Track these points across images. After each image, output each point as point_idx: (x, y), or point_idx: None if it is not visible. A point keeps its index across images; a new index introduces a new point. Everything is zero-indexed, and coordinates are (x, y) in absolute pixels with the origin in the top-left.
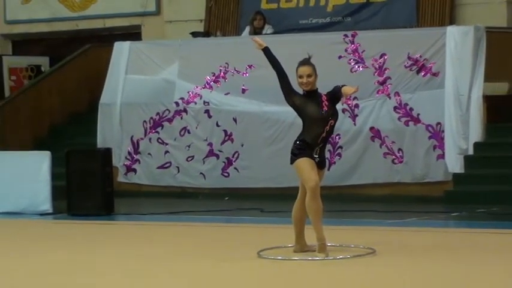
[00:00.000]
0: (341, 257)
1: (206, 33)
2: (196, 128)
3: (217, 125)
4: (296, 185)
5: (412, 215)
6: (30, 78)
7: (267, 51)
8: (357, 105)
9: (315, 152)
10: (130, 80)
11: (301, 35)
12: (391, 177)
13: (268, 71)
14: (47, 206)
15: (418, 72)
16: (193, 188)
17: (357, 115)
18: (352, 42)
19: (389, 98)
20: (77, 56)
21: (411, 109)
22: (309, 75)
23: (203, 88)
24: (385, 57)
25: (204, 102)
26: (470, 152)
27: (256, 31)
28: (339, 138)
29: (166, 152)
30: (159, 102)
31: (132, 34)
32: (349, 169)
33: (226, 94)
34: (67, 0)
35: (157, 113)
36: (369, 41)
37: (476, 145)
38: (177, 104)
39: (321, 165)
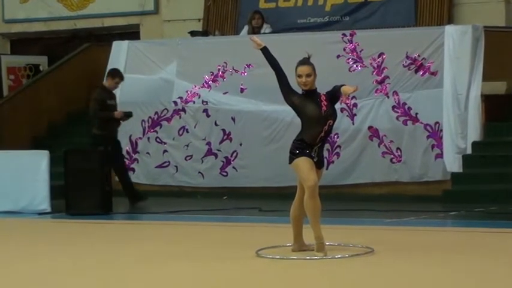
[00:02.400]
0: (339, 256)
1: (204, 33)
2: (195, 127)
3: (216, 124)
4: (294, 184)
5: (411, 214)
6: (29, 77)
7: (265, 50)
8: (355, 105)
9: (314, 152)
10: (128, 79)
11: (300, 34)
12: (390, 176)
13: (266, 70)
14: (45, 205)
15: (416, 71)
16: (192, 187)
17: (355, 114)
18: (351, 42)
19: (388, 97)
20: (75, 55)
21: (409, 108)
22: (308, 75)
23: (201, 87)
24: (384, 56)
25: (203, 101)
26: (469, 151)
27: (255, 30)
28: (338, 137)
29: (165, 151)
30: (158, 101)
31: (131, 33)
32: (347, 168)
33: (225, 93)
34: None
35: (156, 112)
36: (367, 40)
37: (475, 144)
38: (175, 103)
39: (319, 164)
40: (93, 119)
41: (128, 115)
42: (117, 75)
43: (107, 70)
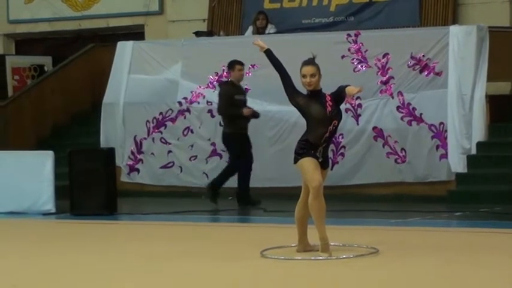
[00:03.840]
0: (344, 256)
1: (209, 33)
2: (200, 127)
3: (221, 125)
4: (299, 184)
5: (415, 214)
6: (33, 78)
7: (269, 53)
8: (360, 105)
9: (318, 152)
10: (133, 80)
11: (304, 35)
12: (394, 176)
13: (271, 70)
14: (50, 205)
15: (421, 71)
16: (196, 187)
17: (360, 115)
18: (355, 42)
19: (392, 97)
20: (80, 55)
21: (414, 109)
22: (312, 75)
23: (206, 88)
24: (388, 56)
25: (207, 101)
26: (473, 151)
27: (259, 31)
28: (342, 137)
29: (169, 151)
30: (162, 102)
31: (135, 34)
32: (352, 169)
33: None
34: None
35: (161, 113)
36: (372, 41)
37: (479, 145)
38: (180, 103)
39: (324, 165)
40: (222, 116)
41: (256, 115)
42: (234, 64)
43: (111, 70)
